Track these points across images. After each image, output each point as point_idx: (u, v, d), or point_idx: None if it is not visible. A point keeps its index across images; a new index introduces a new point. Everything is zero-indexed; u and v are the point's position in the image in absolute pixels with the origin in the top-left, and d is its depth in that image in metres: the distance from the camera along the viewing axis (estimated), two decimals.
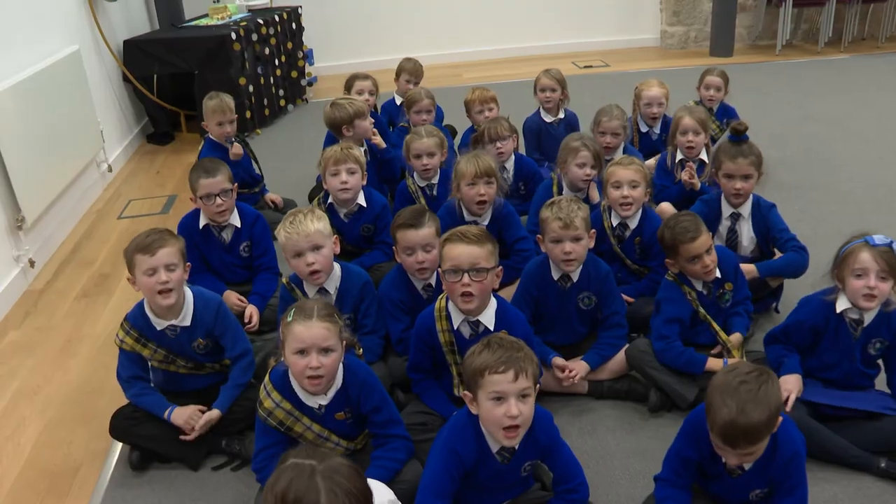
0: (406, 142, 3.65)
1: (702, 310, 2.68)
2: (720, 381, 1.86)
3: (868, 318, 2.38)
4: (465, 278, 2.33)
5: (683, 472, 2.05)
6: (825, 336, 2.44)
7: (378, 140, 4.00)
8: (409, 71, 5.02)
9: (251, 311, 3.18)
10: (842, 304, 2.39)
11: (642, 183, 3.06)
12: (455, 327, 2.44)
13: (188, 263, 2.57)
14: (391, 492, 1.84)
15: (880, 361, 2.49)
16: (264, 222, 3.39)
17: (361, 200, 3.40)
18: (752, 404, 1.79)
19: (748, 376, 1.83)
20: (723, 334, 2.68)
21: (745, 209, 3.10)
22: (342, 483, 1.48)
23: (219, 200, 3.21)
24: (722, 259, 2.73)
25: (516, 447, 2.00)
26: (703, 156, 3.68)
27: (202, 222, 3.30)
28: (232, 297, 3.24)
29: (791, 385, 2.38)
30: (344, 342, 2.16)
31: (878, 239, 2.31)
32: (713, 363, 2.61)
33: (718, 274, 2.71)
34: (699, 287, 2.70)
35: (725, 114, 4.50)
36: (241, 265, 3.38)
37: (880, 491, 2.27)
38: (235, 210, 3.32)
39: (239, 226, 3.31)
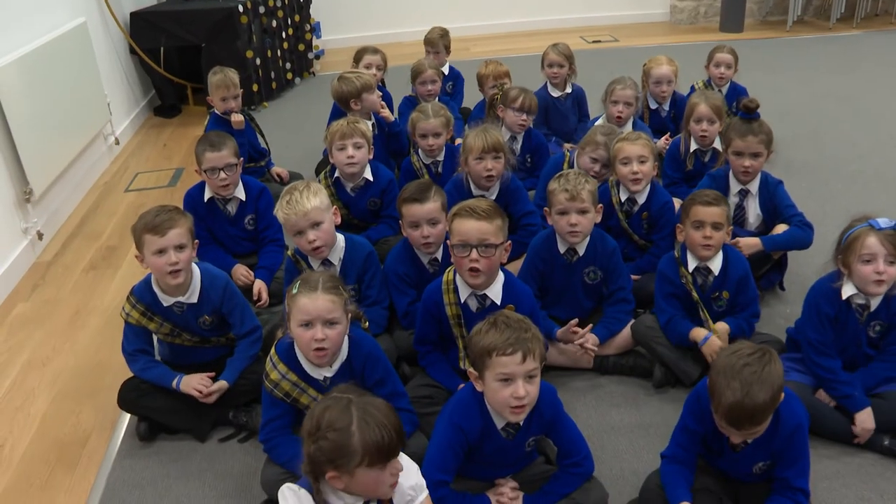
0: (412, 120, 3.62)
1: (695, 293, 2.65)
2: (723, 363, 1.87)
3: (875, 303, 2.36)
4: (474, 254, 2.33)
5: (689, 445, 2.06)
6: (837, 322, 2.42)
7: (386, 113, 3.99)
8: (427, 41, 5.02)
9: (259, 288, 3.19)
10: (848, 291, 2.36)
11: (650, 157, 3.05)
12: (462, 300, 2.44)
13: (196, 240, 2.58)
14: (420, 476, 1.84)
15: None
16: (269, 195, 3.39)
17: (368, 174, 3.39)
18: (756, 386, 1.80)
19: (751, 358, 1.84)
20: (710, 323, 2.64)
21: (754, 186, 3.09)
22: (375, 415, 1.61)
23: (223, 175, 3.21)
24: (731, 261, 2.68)
25: (521, 423, 2.01)
26: (717, 144, 3.60)
27: (207, 195, 3.30)
28: (240, 271, 3.25)
29: (865, 421, 2.32)
30: (349, 314, 2.16)
31: (883, 222, 2.28)
32: (696, 333, 2.60)
33: (716, 270, 2.66)
34: (690, 268, 2.67)
35: (735, 94, 4.39)
36: (247, 238, 3.39)
37: (883, 468, 2.28)
38: (240, 183, 3.32)
39: (244, 199, 3.32)
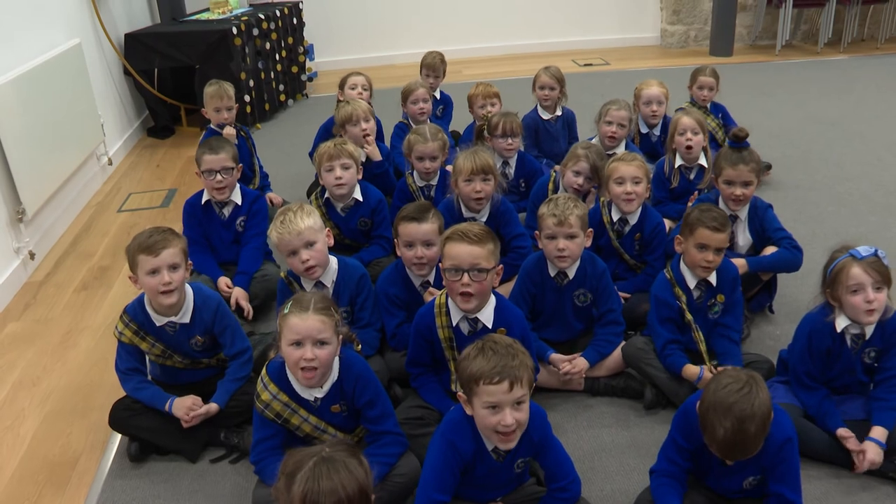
0: (409, 141, 3.62)
1: (689, 314, 2.67)
2: (712, 399, 1.89)
3: (869, 331, 2.37)
4: (465, 278, 2.34)
5: (678, 460, 2.07)
6: (830, 354, 2.44)
7: (371, 150, 3.83)
8: (428, 66, 4.98)
9: (237, 297, 3.19)
10: (842, 323, 2.37)
11: (644, 179, 3.07)
12: (454, 324, 2.45)
13: (190, 262, 2.59)
14: None
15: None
16: (264, 202, 3.50)
17: (357, 195, 3.41)
18: (748, 421, 1.84)
19: (739, 394, 1.86)
20: (703, 345, 2.65)
21: (743, 212, 3.11)
22: (331, 475, 1.57)
23: (219, 177, 3.28)
24: (722, 270, 2.71)
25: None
26: (702, 160, 3.67)
27: (204, 198, 3.38)
28: (221, 285, 3.27)
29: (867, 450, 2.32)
30: (340, 336, 2.17)
31: (864, 251, 2.30)
32: (689, 371, 2.59)
33: (714, 281, 2.69)
34: (691, 285, 2.70)
35: (717, 113, 4.51)
36: (237, 241, 3.44)
37: (872, 489, 2.29)
38: (238, 189, 3.40)
39: (240, 203, 3.39)
